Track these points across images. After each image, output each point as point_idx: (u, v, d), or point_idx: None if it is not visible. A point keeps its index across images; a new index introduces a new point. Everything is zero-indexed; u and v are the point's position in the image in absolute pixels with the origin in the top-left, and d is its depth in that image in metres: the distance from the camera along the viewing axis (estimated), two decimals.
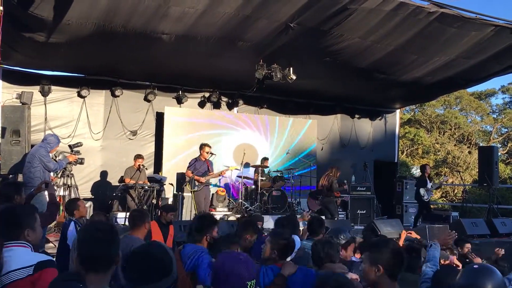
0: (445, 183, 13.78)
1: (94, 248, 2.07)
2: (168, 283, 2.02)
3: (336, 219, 10.06)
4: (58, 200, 7.40)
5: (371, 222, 9.20)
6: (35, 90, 10.14)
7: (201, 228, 3.94)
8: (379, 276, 2.47)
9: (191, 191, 9.22)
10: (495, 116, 28.83)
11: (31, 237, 2.81)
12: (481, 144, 25.46)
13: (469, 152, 25.41)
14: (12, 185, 5.30)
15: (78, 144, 7.80)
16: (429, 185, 11.22)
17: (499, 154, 16.74)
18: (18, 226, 2.78)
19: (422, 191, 11.08)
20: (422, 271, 3.77)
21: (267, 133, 12.50)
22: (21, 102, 9.30)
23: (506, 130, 28.19)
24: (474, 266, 2.63)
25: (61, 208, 7.36)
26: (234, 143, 11.86)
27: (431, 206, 12.41)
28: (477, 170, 14.04)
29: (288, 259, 3.74)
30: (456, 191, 23.14)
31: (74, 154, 7.54)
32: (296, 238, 4.03)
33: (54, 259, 3.25)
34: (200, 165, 9.28)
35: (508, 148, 27.25)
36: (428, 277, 3.69)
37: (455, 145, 26.26)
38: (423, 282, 3.63)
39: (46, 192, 7.00)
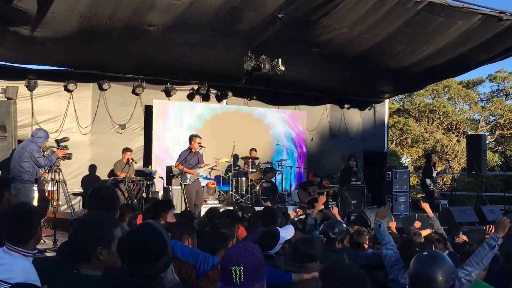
0: (449, 170, 13.79)
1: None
2: (162, 263, 2.04)
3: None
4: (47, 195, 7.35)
5: (361, 212, 9.26)
6: (21, 84, 10.01)
7: (155, 212, 3.92)
8: None
9: (181, 184, 9.10)
10: (483, 104, 29.05)
11: (36, 243, 2.69)
12: (469, 133, 25.67)
13: (458, 141, 25.62)
14: (1, 181, 5.22)
15: (65, 139, 7.70)
16: (434, 173, 11.28)
17: (487, 142, 16.88)
18: (31, 230, 2.59)
19: (428, 181, 11.17)
20: (384, 255, 3.75)
21: (257, 124, 12.47)
22: (6, 97, 9.17)
23: (493, 118, 28.42)
24: (424, 253, 2.73)
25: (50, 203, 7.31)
26: (224, 135, 11.80)
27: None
28: (466, 158, 14.17)
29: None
30: (445, 179, 23.34)
31: (61, 149, 7.45)
32: (281, 230, 3.98)
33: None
34: (191, 157, 9.14)
35: (496, 136, 27.51)
36: (395, 259, 3.67)
37: (443, 133, 26.45)
38: (392, 266, 3.59)
39: (34, 187, 6.97)
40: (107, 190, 3.25)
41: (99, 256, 2.12)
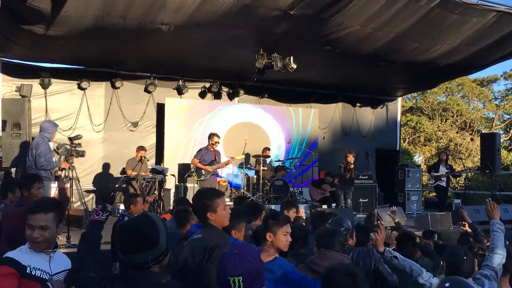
0: (467, 174, 13.72)
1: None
2: (154, 254, 2.03)
3: (340, 206, 10.06)
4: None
5: (372, 211, 9.20)
6: (35, 82, 10.12)
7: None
8: None
9: (197, 180, 9.17)
10: (497, 102, 28.69)
11: None
12: (483, 131, 25.37)
13: (471, 139, 25.34)
14: (27, 178, 5.11)
15: (78, 137, 7.76)
16: (443, 171, 11.23)
17: (501, 140, 16.70)
18: None
19: (428, 176, 11.37)
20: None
21: (269, 123, 12.45)
22: (20, 95, 9.28)
23: (508, 116, 28.08)
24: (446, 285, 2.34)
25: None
26: (235, 133, 11.81)
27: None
28: (480, 157, 14.01)
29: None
30: (458, 178, 23.11)
31: (74, 147, 7.49)
32: None
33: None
34: (207, 155, 9.24)
35: (510, 134, 27.15)
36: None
37: (457, 132, 26.18)
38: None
39: (51, 185, 7.05)
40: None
41: None
